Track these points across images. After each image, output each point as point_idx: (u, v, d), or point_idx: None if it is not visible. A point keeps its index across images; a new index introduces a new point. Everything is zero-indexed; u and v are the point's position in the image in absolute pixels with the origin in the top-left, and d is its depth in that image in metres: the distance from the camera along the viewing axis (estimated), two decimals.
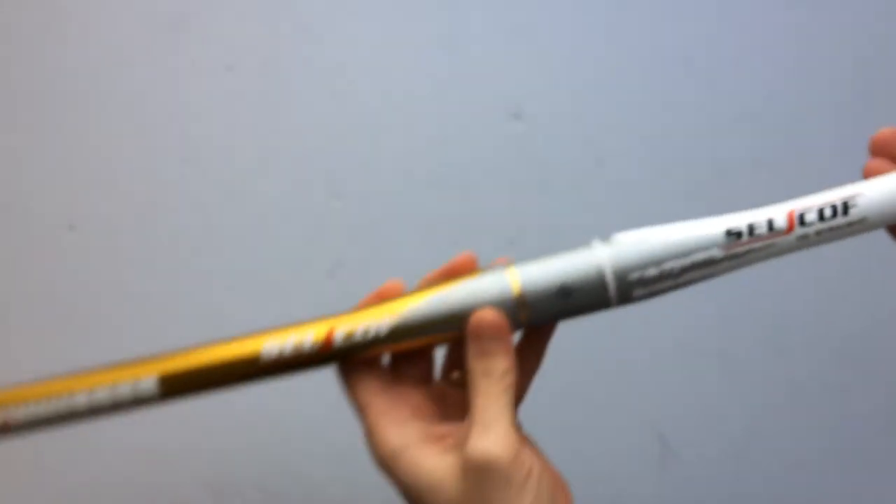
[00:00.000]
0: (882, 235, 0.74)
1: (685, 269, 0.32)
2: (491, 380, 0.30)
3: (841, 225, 0.32)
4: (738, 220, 0.32)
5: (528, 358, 0.34)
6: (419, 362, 0.34)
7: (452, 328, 0.31)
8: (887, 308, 0.74)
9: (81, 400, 0.33)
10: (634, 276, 0.31)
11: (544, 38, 0.73)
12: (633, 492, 0.74)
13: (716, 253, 0.31)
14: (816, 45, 0.73)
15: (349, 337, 0.32)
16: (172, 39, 0.73)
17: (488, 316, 0.30)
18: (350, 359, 0.33)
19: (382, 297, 0.33)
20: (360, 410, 0.33)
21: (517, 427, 0.30)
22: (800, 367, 0.74)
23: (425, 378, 0.34)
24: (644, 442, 0.74)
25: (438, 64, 0.73)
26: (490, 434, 0.28)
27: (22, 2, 0.74)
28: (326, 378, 0.77)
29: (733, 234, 0.32)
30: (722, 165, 0.73)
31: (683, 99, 0.73)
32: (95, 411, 0.33)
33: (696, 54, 0.73)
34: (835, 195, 0.31)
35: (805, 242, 0.32)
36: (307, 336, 0.32)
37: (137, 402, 0.33)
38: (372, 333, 0.32)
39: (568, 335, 0.76)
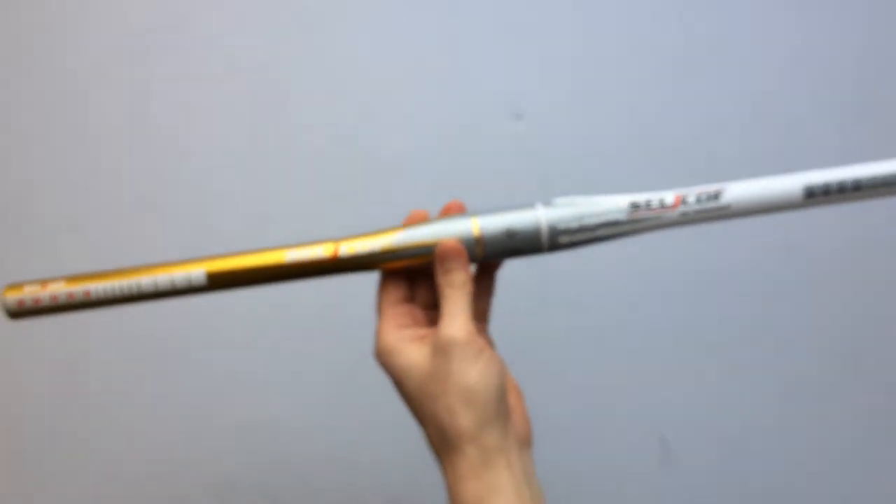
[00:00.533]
0: (879, 242, 0.73)
1: (598, 226, 0.43)
2: (453, 289, 0.41)
3: (712, 208, 0.42)
4: (641, 196, 0.43)
5: (485, 285, 0.46)
6: (425, 292, 0.45)
7: (430, 252, 0.42)
8: (883, 308, 0.74)
9: (148, 284, 0.44)
10: (561, 226, 0.42)
11: (545, 40, 0.73)
12: (633, 491, 0.74)
13: (621, 217, 0.43)
14: (816, 45, 0.73)
15: (351, 251, 0.43)
16: (172, 40, 0.73)
17: (450, 243, 0.42)
18: (375, 269, 0.44)
19: (410, 221, 0.45)
20: (379, 314, 0.43)
21: (478, 327, 0.42)
22: (797, 367, 0.74)
23: (428, 304, 0.45)
24: (644, 442, 0.74)
25: (439, 65, 0.73)
26: (452, 323, 0.39)
27: (23, 4, 0.74)
28: (325, 384, 0.77)
29: (635, 205, 0.43)
30: (721, 163, 0.74)
31: (682, 99, 0.73)
32: (159, 294, 0.44)
33: (694, 55, 0.73)
34: (710, 186, 0.43)
35: (686, 217, 0.43)
36: (319, 249, 0.44)
37: (191, 289, 0.44)
38: (368, 249, 0.43)
39: (567, 336, 0.76)
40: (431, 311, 0.45)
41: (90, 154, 0.75)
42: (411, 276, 0.45)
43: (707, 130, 0.73)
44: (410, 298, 0.45)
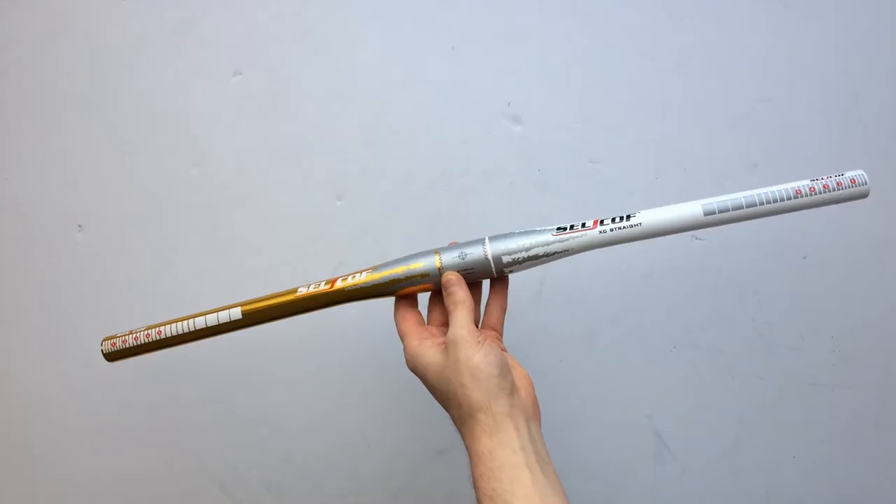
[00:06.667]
0: (875, 244, 0.73)
1: (528, 258, 0.54)
2: (455, 305, 0.53)
3: (626, 226, 0.52)
4: (565, 222, 0.54)
5: (497, 302, 0.58)
6: (438, 314, 0.57)
7: (411, 284, 0.55)
8: (876, 310, 0.74)
9: (200, 322, 0.57)
10: (504, 259, 0.54)
11: (543, 45, 0.73)
12: (629, 486, 0.74)
13: (547, 249, 0.54)
14: (809, 52, 0.73)
15: (345, 283, 0.56)
16: (180, 44, 0.73)
17: (449, 276, 0.54)
18: (395, 296, 0.57)
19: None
20: (402, 336, 0.55)
21: (491, 335, 0.56)
22: (791, 365, 0.73)
23: (441, 323, 0.57)
24: (640, 438, 0.74)
25: (441, 70, 0.73)
26: (456, 326, 0.51)
27: (31, 8, 0.74)
28: (326, 378, 0.77)
29: (561, 229, 0.54)
30: (716, 167, 0.73)
31: (678, 103, 0.73)
32: (210, 329, 0.57)
33: (689, 60, 0.72)
34: (624, 213, 0.53)
35: (605, 236, 0.52)
36: (322, 283, 0.57)
37: (232, 324, 0.57)
38: (357, 282, 0.56)
39: (564, 333, 0.76)
40: (444, 327, 0.56)
41: (99, 157, 0.74)
42: (424, 303, 0.58)
43: (702, 135, 0.73)
44: (424, 322, 0.57)
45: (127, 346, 0.57)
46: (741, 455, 0.75)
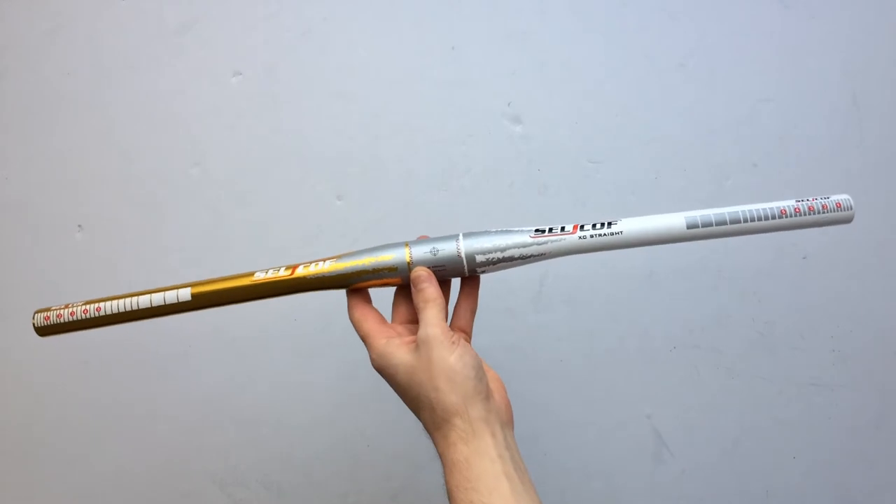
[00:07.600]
0: (875, 244, 0.73)
1: (503, 259, 0.51)
2: (426, 302, 0.49)
3: (606, 233, 0.49)
4: (543, 225, 0.51)
5: (466, 303, 0.54)
6: (404, 311, 0.53)
7: (378, 277, 0.51)
8: (876, 310, 0.73)
9: (145, 301, 0.52)
10: (478, 258, 0.50)
11: (543, 45, 0.73)
12: (629, 486, 0.74)
13: (523, 251, 0.50)
14: (809, 52, 0.73)
15: (306, 270, 0.52)
16: (180, 44, 0.72)
17: (420, 271, 0.50)
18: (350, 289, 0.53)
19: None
20: (365, 336, 0.51)
21: (464, 338, 0.52)
22: (791, 365, 0.73)
23: (405, 321, 0.53)
24: (640, 437, 0.73)
25: (441, 70, 0.73)
26: (428, 324, 0.47)
27: (31, 8, 0.73)
28: (326, 378, 0.76)
29: (539, 231, 0.50)
30: (716, 167, 0.73)
31: (678, 103, 0.72)
32: (155, 309, 0.52)
33: (689, 60, 0.72)
34: (606, 219, 0.50)
35: (584, 242, 0.49)
36: (281, 269, 0.52)
37: (179, 305, 0.52)
38: (319, 271, 0.51)
39: (564, 334, 0.76)
40: (410, 325, 0.53)
41: (98, 157, 0.74)
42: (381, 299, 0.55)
43: (702, 135, 0.72)
44: (385, 319, 0.53)
45: (62, 320, 0.52)
46: (741, 455, 0.74)
